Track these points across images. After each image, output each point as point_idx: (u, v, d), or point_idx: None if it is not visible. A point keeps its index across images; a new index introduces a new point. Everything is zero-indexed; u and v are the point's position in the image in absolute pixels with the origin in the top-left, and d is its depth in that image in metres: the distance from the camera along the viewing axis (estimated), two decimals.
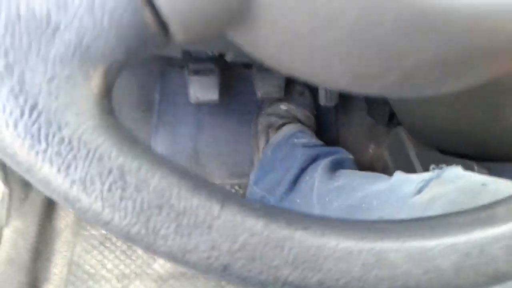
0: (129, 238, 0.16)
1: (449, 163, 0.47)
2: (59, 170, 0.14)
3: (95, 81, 0.14)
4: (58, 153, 0.14)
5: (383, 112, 0.82)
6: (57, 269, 0.80)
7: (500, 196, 0.32)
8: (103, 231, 0.83)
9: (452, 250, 0.17)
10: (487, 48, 0.15)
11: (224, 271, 0.16)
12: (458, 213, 0.19)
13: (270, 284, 0.17)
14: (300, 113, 0.84)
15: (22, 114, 0.14)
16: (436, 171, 0.42)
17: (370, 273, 0.17)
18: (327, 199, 0.53)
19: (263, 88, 0.85)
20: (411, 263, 0.17)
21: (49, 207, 0.81)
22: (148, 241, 0.15)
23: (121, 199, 0.15)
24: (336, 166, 0.63)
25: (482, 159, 0.58)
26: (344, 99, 0.93)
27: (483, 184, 0.36)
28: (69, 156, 0.14)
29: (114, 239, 0.83)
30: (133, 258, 0.83)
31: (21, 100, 0.14)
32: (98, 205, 0.15)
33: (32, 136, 0.14)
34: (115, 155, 0.15)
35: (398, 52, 0.15)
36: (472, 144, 0.58)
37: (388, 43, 0.15)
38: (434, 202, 0.37)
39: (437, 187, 0.39)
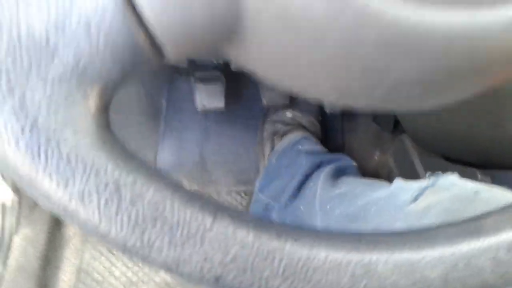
0: (125, 250, 0.16)
1: (452, 171, 0.47)
2: (58, 184, 0.15)
3: (92, 100, 0.15)
4: (57, 169, 0.15)
5: (388, 119, 0.82)
6: (66, 276, 0.81)
7: (492, 204, 0.33)
8: None
9: (439, 261, 0.17)
10: (465, 66, 0.15)
11: (217, 282, 0.17)
12: (446, 225, 0.19)
13: None
14: (305, 120, 0.85)
15: (23, 132, 0.14)
16: (432, 179, 0.42)
17: (359, 284, 0.17)
18: (328, 207, 0.53)
19: (268, 95, 0.86)
20: (399, 275, 0.17)
21: None
22: (144, 253, 0.16)
23: (117, 212, 0.16)
24: (339, 173, 0.63)
25: (485, 166, 0.58)
26: None
27: (476, 192, 0.36)
28: (67, 171, 0.15)
29: None
30: (141, 265, 0.84)
31: (22, 118, 0.14)
32: (95, 218, 0.15)
33: (32, 152, 0.15)
34: (111, 170, 0.15)
35: (380, 70, 0.16)
36: (475, 151, 0.58)
37: (370, 62, 0.15)
38: (429, 210, 0.37)
39: (432, 195, 0.39)
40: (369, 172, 0.90)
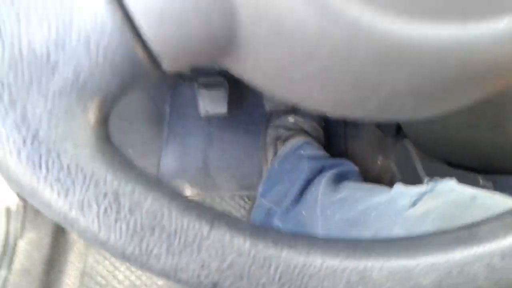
0: (124, 258, 0.17)
1: (453, 176, 0.48)
2: (58, 194, 0.16)
3: (92, 113, 0.16)
4: (58, 179, 0.15)
5: (391, 124, 0.83)
6: (70, 280, 0.81)
7: (489, 210, 0.33)
8: None
9: (433, 269, 0.18)
10: (456, 79, 0.16)
11: None
12: (441, 232, 0.19)
13: None
14: (307, 125, 0.85)
15: (24, 144, 0.15)
16: (430, 184, 0.42)
17: None
18: (329, 212, 0.53)
19: (271, 101, 0.87)
20: (394, 282, 0.18)
21: None
22: (142, 260, 0.17)
23: (116, 221, 0.16)
24: (340, 178, 0.63)
25: (487, 171, 0.58)
26: None
27: (473, 198, 0.36)
28: (68, 182, 0.15)
29: None
30: None
31: (23, 130, 0.15)
32: (95, 227, 0.16)
33: (34, 163, 0.15)
34: (110, 180, 0.16)
35: (373, 82, 0.16)
36: (477, 157, 0.58)
37: (363, 74, 0.16)
38: (427, 216, 0.37)
39: (430, 200, 0.39)
40: (371, 177, 0.90)
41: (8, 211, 0.68)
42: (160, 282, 0.84)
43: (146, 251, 0.16)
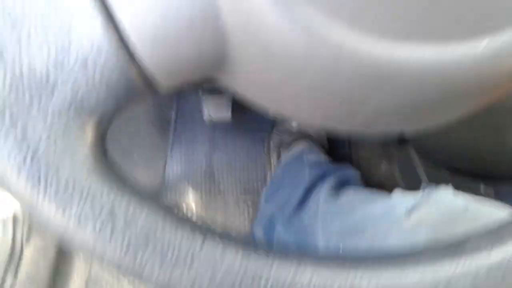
0: (120, 270, 0.17)
1: (455, 183, 0.48)
2: (57, 209, 0.16)
3: (89, 130, 0.16)
4: (56, 194, 0.16)
5: None
6: (76, 286, 0.82)
7: (480, 221, 0.33)
8: None
9: (420, 284, 0.18)
10: (439, 97, 0.16)
11: None
12: (430, 246, 0.20)
13: None
14: (311, 130, 0.86)
15: (24, 161, 0.16)
16: (426, 193, 0.42)
17: None
18: (329, 219, 0.54)
19: None
20: None
21: None
22: (137, 273, 0.17)
23: (111, 234, 0.17)
24: (342, 185, 0.64)
25: (489, 178, 0.58)
26: None
27: (465, 209, 0.37)
28: (66, 197, 0.16)
29: None
30: None
31: (24, 148, 0.16)
32: (91, 240, 0.17)
33: (33, 179, 0.16)
34: (106, 195, 0.17)
35: (358, 100, 0.17)
36: (479, 164, 0.58)
37: (348, 93, 0.16)
38: (420, 225, 0.38)
39: (424, 210, 0.39)
40: (374, 182, 0.90)
41: (14, 219, 0.70)
42: None
43: (141, 264, 0.17)
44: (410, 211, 0.40)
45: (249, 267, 0.17)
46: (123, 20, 0.15)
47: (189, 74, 0.17)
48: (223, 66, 0.17)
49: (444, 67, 0.15)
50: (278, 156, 0.85)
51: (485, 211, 0.36)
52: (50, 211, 0.16)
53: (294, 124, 0.88)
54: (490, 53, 0.15)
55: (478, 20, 0.15)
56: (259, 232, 0.76)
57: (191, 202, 0.93)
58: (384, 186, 0.89)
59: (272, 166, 0.86)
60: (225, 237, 0.18)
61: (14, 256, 0.70)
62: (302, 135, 0.85)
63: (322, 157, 0.78)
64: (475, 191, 0.55)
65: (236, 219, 0.92)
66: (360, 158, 0.94)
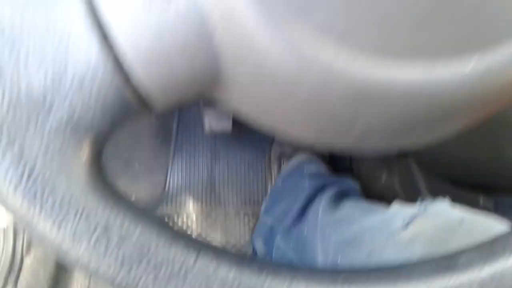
0: (114, 285, 0.17)
1: (455, 195, 0.48)
2: (52, 226, 0.16)
3: (85, 148, 0.17)
4: (51, 212, 0.16)
5: None
6: None
7: (474, 235, 0.33)
8: None
9: None
10: (427, 116, 0.17)
11: None
12: (423, 261, 0.20)
13: None
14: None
15: (21, 179, 0.16)
16: (423, 206, 0.42)
17: None
18: (327, 231, 0.54)
19: None
20: None
21: None
22: (131, 287, 0.17)
23: (105, 251, 0.17)
24: (341, 197, 0.64)
25: (489, 190, 0.58)
26: None
27: (461, 222, 0.37)
28: (61, 214, 0.16)
29: None
30: None
31: (21, 166, 0.16)
32: (85, 257, 0.17)
33: (29, 196, 0.16)
34: (101, 212, 0.17)
35: (349, 118, 0.17)
36: (478, 176, 0.58)
37: (338, 111, 0.17)
38: (416, 239, 0.38)
39: (420, 223, 0.39)
40: (375, 194, 0.90)
41: (15, 229, 0.70)
42: None
43: (134, 280, 0.17)
44: (407, 224, 0.40)
45: (242, 283, 0.18)
46: (118, 42, 0.15)
47: (184, 93, 0.18)
48: (218, 84, 0.17)
49: (433, 86, 0.16)
50: (279, 167, 0.85)
51: (480, 224, 0.36)
52: (45, 227, 0.17)
53: None
54: (479, 72, 0.16)
55: (466, 40, 0.15)
56: (259, 243, 0.76)
57: (192, 213, 0.93)
58: (385, 197, 0.89)
59: (273, 177, 0.86)
60: (219, 252, 0.18)
61: (14, 266, 0.70)
62: (303, 147, 0.85)
63: (322, 168, 0.78)
64: (474, 203, 0.55)
65: (237, 230, 0.92)
66: (361, 169, 0.94)
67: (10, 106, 0.15)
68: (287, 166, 0.81)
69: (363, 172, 0.93)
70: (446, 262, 0.19)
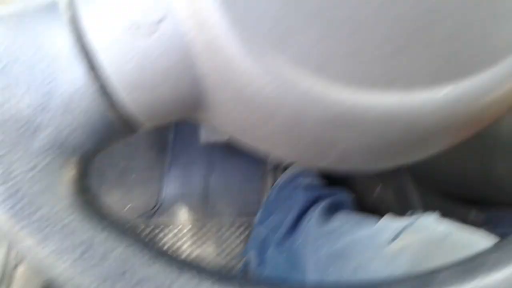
0: None
1: (446, 208, 0.48)
2: (38, 242, 0.17)
3: (70, 169, 0.17)
4: (37, 228, 0.17)
5: None
6: None
7: (457, 251, 0.34)
8: None
9: None
10: (405, 140, 0.17)
11: None
12: (399, 280, 0.20)
13: None
14: None
15: (8, 196, 0.16)
16: (411, 219, 0.43)
17: None
18: (319, 243, 0.54)
19: None
20: None
21: None
22: None
23: (89, 267, 0.17)
24: (334, 208, 0.64)
25: (481, 204, 0.58)
26: None
27: (446, 236, 0.37)
28: (46, 231, 0.17)
29: None
30: None
31: (8, 185, 0.16)
32: (69, 272, 0.17)
33: (16, 213, 0.17)
34: (85, 229, 0.17)
35: (328, 141, 0.17)
36: (469, 190, 0.59)
37: (317, 134, 0.17)
38: (402, 252, 0.38)
39: (408, 236, 0.40)
40: (369, 206, 0.90)
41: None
42: None
43: None
44: (395, 237, 0.40)
45: None
46: (103, 67, 0.16)
47: (168, 116, 0.18)
48: (201, 107, 0.18)
49: (406, 112, 0.16)
50: (274, 179, 0.85)
51: (464, 239, 0.36)
52: (31, 244, 0.17)
53: None
54: (450, 99, 0.16)
55: (439, 69, 0.16)
56: (252, 254, 0.77)
57: (187, 223, 0.93)
58: (378, 210, 0.89)
59: (268, 188, 0.87)
60: (202, 271, 0.19)
61: (7, 274, 0.70)
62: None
63: (316, 180, 0.78)
64: (465, 217, 0.55)
65: (231, 241, 0.92)
66: (355, 182, 0.95)
67: None
68: (282, 177, 0.81)
69: (357, 185, 0.93)
70: (424, 279, 0.20)
